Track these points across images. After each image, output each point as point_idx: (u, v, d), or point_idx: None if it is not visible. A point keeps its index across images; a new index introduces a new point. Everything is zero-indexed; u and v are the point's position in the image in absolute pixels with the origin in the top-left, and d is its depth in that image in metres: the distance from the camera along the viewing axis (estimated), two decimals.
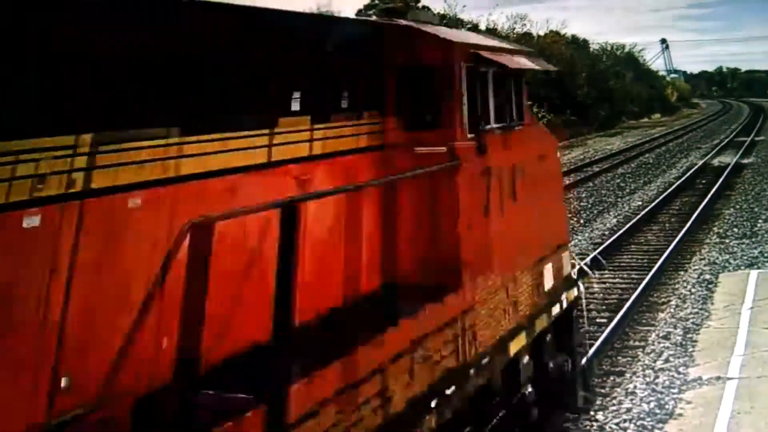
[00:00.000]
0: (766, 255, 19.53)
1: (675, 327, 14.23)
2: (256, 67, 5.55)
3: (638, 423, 10.54)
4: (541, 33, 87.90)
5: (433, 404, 6.38)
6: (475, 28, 74.89)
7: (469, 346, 7.05)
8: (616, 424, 10.55)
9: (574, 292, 10.15)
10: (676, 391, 11.44)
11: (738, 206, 27.08)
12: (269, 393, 4.66)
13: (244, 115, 5.41)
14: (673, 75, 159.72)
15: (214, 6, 5.29)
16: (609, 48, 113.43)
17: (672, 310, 15.22)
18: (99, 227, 4.34)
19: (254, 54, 5.53)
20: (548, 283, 9.16)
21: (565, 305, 9.67)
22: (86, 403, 4.27)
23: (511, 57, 8.47)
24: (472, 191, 7.29)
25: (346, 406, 5.28)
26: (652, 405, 11.01)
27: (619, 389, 11.57)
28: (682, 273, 18.05)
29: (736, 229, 22.92)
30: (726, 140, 54.50)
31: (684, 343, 13.42)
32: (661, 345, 13.36)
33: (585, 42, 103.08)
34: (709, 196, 27.98)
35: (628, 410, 10.91)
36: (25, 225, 3.93)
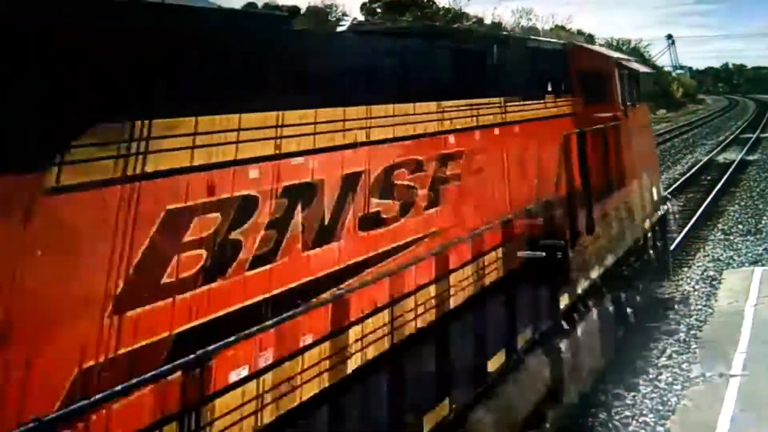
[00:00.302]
0: None
1: (679, 324, 14.19)
2: (523, 69, 9.56)
3: (640, 420, 10.51)
4: (547, 27, 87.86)
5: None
6: (480, 22, 74.94)
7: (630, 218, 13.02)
8: (618, 420, 10.52)
9: (667, 205, 16.68)
10: (678, 387, 11.42)
11: (743, 203, 27.01)
12: None
13: (522, 92, 9.15)
14: (678, 71, 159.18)
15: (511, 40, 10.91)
16: (614, 43, 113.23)
17: (675, 307, 15.17)
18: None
19: (522, 63, 9.55)
20: (656, 196, 15.37)
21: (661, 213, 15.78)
22: None
23: (630, 64, 14.36)
24: (626, 136, 12.73)
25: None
26: (654, 401, 10.99)
27: (621, 386, 11.53)
28: (686, 269, 17.98)
29: (740, 226, 22.87)
30: (731, 137, 54.36)
31: (687, 339, 13.39)
32: (665, 342, 13.32)
33: (590, 37, 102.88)
34: (713, 192, 27.91)
35: (631, 406, 10.89)
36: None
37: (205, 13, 4.74)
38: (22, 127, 3.57)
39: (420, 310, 6.39)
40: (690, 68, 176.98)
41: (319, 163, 5.33)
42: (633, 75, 13.98)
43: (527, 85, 9.42)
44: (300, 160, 5.19)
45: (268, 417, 4.75)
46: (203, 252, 4.39)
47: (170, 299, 4.19)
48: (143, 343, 4.02)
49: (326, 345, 5.28)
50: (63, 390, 3.64)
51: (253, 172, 4.76)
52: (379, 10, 65.70)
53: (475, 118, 7.76)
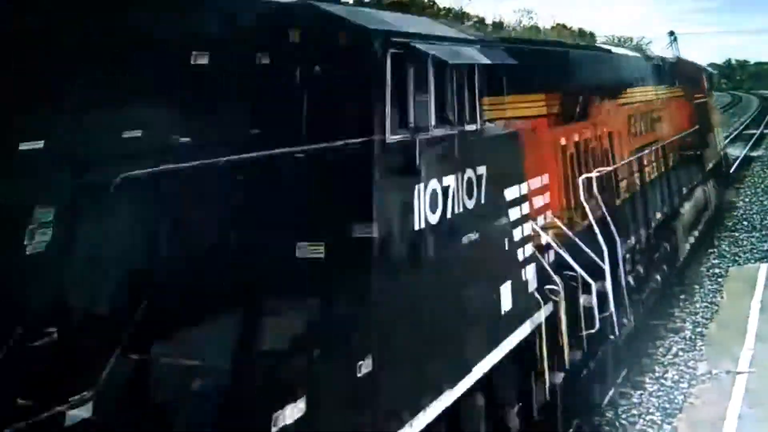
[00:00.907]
0: None
1: (684, 321, 14.17)
2: (670, 73, 19.78)
3: (647, 418, 10.50)
4: (548, 26, 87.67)
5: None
6: (481, 22, 74.84)
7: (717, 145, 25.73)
8: (626, 418, 10.51)
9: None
10: (685, 385, 11.40)
11: (747, 199, 26.96)
12: None
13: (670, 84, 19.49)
14: None
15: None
16: (616, 40, 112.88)
17: (682, 304, 15.15)
18: None
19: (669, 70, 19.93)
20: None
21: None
22: None
23: (708, 69, 29.08)
24: (710, 107, 25.10)
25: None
26: (661, 400, 10.97)
27: (628, 384, 11.51)
28: (692, 266, 17.94)
29: (745, 222, 22.84)
30: (735, 133, 54.21)
31: (693, 337, 13.37)
32: (671, 339, 13.30)
33: (592, 35, 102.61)
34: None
35: (638, 404, 10.88)
36: None
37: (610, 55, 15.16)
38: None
39: (661, 165, 15.85)
40: None
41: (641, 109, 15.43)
42: (710, 74, 27.69)
43: (671, 80, 19.49)
44: (638, 108, 15.17)
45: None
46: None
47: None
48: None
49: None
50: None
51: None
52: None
53: (662, 94, 17.78)
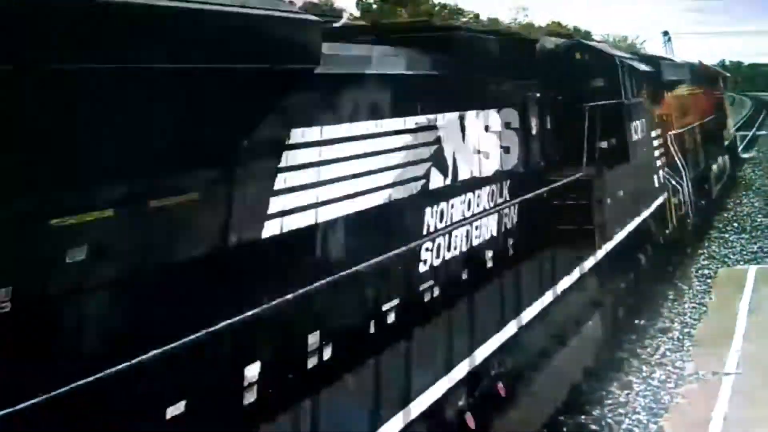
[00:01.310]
0: (765, 250, 19.50)
1: (673, 321, 14.19)
2: (698, 76, 27.15)
3: (633, 417, 10.52)
4: (543, 24, 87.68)
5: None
6: (476, 18, 74.76)
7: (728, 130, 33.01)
8: (612, 418, 10.53)
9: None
10: (672, 386, 11.43)
11: (738, 200, 27.03)
12: None
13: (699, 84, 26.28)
14: None
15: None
16: (611, 40, 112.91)
17: (670, 304, 15.17)
18: None
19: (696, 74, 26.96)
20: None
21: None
22: None
23: (725, 73, 39.74)
24: (725, 101, 34.31)
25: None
26: (648, 399, 10.99)
27: (615, 383, 11.54)
28: (681, 267, 17.97)
29: (735, 224, 22.89)
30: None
31: (681, 337, 13.40)
32: (659, 339, 13.32)
33: (587, 33, 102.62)
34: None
35: (624, 404, 10.89)
36: None
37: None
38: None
39: (698, 138, 21.89)
40: None
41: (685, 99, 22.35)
42: (724, 76, 34.21)
43: (699, 80, 25.76)
44: (685, 98, 22.00)
45: None
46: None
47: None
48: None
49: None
50: None
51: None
52: (374, 6, 65.53)
53: (696, 90, 24.17)
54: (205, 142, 4.69)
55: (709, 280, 16.89)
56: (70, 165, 3.91)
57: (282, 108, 5.35)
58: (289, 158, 5.58)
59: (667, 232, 16.02)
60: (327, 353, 5.73)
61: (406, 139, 7.23)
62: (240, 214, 5.06)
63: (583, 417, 10.47)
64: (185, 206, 4.61)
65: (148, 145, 4.29)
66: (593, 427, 10.30)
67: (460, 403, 7.49)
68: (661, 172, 15.88)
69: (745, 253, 19.31)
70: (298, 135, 5.68)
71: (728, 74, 41.22)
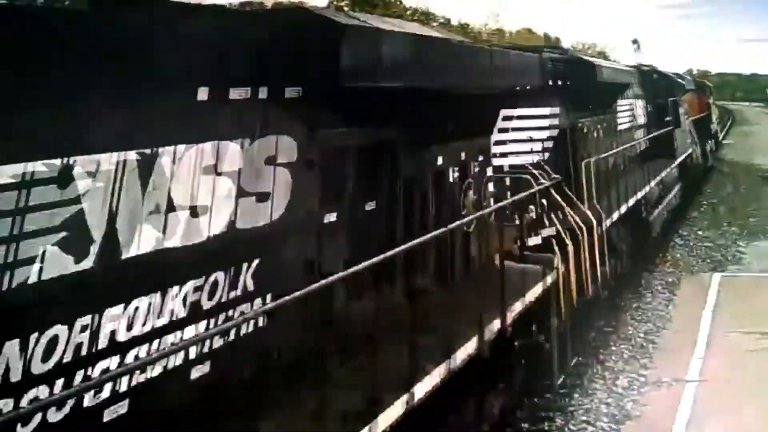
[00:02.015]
0: (729, 258, 19.66)
1: (636, 329, 14.23)
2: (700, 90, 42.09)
3: (597, 425, 10.51)
4: (514, 30, 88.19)
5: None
6: (448, 22, 74.87)
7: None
8: (575, 425, 10.52)
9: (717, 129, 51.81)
10: (635, 393, 11.44)
11: (703, 209, 27.27)
12: None
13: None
14: None
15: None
16: (580, 46, 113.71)
17: (634, 312, 15.22)
18: None
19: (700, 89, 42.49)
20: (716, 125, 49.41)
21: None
22: None
23: (710, 87, 50.48)
24: (710, 107, 45.47)
25: None
26: (611, 407, 10.99)
27: (578, 391, 11.54)
28: (645, 274, 18.06)
29: (700, 232, 23.06)
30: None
31: (645, 345, 13.43)
32: (622, 346, 13.35)
33: (557, 40, 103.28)
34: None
35: (587, 411, 10.89)
36: None
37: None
38: None
39: (695, 127, 33.79)
40: None
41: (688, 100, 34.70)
42: (708, 86, 46.66)
43: (697, 89, 38.08)
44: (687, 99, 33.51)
45: None
46: None
47: None
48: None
49: None
50: None
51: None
52: (346, 8, 65.36)
53: (697, 95, 37.71)
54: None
55: (673, 288, 16.98)
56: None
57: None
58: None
59: (692, 162, 29.87)
60: None
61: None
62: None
63: (546, 425, 10.45)
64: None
65: None
66: None
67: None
68: (689, 136, 29.94)
69: (709, 260, 19.47)
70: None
71: (710, 84, 53.53)
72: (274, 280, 5.86)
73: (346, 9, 64.40)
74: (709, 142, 39.16)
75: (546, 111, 12.68)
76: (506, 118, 12.11)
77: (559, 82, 13.35)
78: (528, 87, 11.31)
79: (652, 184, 19.52)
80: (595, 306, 13.17)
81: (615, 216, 14.69)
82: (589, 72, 14.65)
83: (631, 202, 16.57)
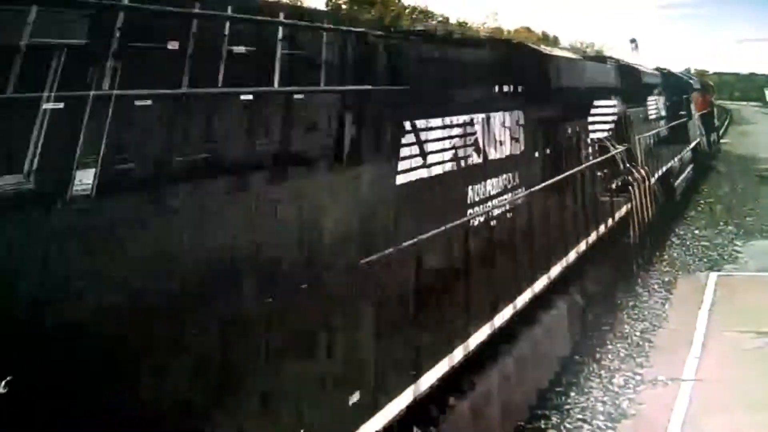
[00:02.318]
0: (725, 258, 19.70)
1: (633, 327, 14.26)
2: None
3: (593, 423, 10.54)
4: (512, 29, 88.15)
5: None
6: (446, 21, 74.77)
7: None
8: (571, 423, 10.54)
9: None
10: (631, 391, 11.48)
11: (700, 208, 27.31)
12: None
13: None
14: None
15: None
16: (579, 45, 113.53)
17: (630, 311, 15.24)
18: None
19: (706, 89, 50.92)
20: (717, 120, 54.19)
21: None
22: None
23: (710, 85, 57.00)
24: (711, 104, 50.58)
25: None
26: (607, 405, 11.02)
27: (574, 388, 11.57)
28: (642, 273, 18.08)
29: (697, 231, 23.09)
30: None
31: (641, 343, 13.46)
32: (618, 345, 13.37)
33: (555, 39, 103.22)
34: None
35: (583, 410, 10.92)
36: None
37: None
38: None
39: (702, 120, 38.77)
40: None
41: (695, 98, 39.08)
42: (711, 85, 54.64)
43: (702, 88, 43.43)
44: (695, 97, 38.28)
45: None
46: None
47: None
48: None
49: None
50: None
51: None
52: (344, 6, 65.45)
53: (702, 94, 43.23)
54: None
55: (669, 287, 17.01)
56: None
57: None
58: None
59: (700, 147, 35.04)
60: None
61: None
62: None
63: (542, 422, 10.48)
64: None
65: None
66: None
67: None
68: (697, 127, 34.93)
69: (705, 260, 19.53)
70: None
71: (711, 84, 59.82)
72: (526, 179, 10.90)
73: (344, 7, 64.55)
74: (712, 134, 45.15)
75: (613, 103, 17.46)
76: (594, 107, 16.04)
77: (618, 83, 18.41)
78: (608, 86, 17.38)
79: (675, 160, 25.28)
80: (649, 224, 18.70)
81: (654, 177, 19.88)
82: (635, 75, 21.04)
83: (664, 169, 22.39)
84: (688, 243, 21.48)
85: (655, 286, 16.98)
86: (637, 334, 13.91)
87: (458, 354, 7.97)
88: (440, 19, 73.52)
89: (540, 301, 10.76)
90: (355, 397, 6.10)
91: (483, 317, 8.71)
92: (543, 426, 10.42)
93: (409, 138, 7.51)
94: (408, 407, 6.91)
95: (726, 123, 71.60)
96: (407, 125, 7.50)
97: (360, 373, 6.25)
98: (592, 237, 13.51)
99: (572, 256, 12.35)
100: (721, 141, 53.68)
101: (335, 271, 5.98)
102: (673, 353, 12.83)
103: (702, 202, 28.53)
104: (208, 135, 4.95)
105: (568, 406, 10.99)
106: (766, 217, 24.70)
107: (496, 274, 9.16)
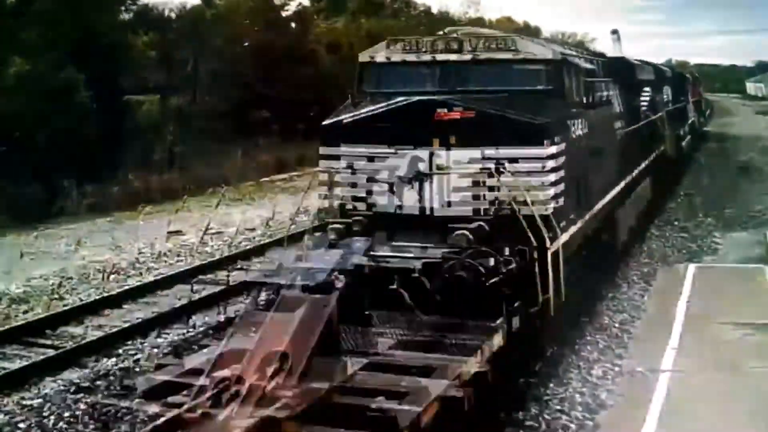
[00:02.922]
0: (704, 249, 19.81)
1: (612, 319, 14.30)
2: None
3: (571, 414, 10.56)
4: (494, 19, 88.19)
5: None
6: (428, 11, 74.74)
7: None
8: (549, 413, 10.56)
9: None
10: (609, 382, 11.51)
11: (679, 200, 27.44)
12: None
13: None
14: None
15: None
16: (560, 36, 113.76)
17: (609, 302, 15.29)
18: None
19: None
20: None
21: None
22: None
23: (699, 79, 65.36)
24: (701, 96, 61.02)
25: None
26: (585, 396, 11.05)
27: (553, 380, 11.58)
28: (621, 264, 18.14)
29: (676, 223, 23.21)
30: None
31: (620, 335, 13.50)
32: (597, 336, 13.41)
33: (537, 29, 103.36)
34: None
35: (562, 400, 10.93)
36: None
37: None
38: None
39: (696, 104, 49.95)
40: None
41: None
42: (699, 78, 61.98)
43: (692, 79, 50.69)
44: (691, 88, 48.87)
45: None
46: None
47: None
48: None
49: None
50: None
51: None
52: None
53: (692, 85, 49.32)
54: None
55: (649, 278, 17.08)
56: None
57: None
58: None
59: (692, 127, 40.92)
60: None
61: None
62: None
63: (520, 413, 10.49)
64: None
65: None
66: (530, 423, 10.32)
67: None
68: (691, 111, 42.15)
69: (684, 251, 19.63)
70: None
71: (698, 76, 65.38)
72: (628, 122, 19.07)
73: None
74: (701, 117, 54.78)
75: (648, 89, 24.07)
76: (644, 91, 23.47)
77: (651, 77, 25.82)
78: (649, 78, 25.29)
79: (681, 130, 34.44)
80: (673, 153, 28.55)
81: (673, 134, 29.11)
82: (659, 71, 29.44)
83: (677, 131, 31.50)
84: (667, 235, 21.57)
85: (635, 278, 17.04)
86: (616, 325, 13.96)
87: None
88: (422, 9, 73.38)
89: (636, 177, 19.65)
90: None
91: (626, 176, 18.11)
92: (521, 417, 10.44)
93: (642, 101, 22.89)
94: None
95: (707, 114, 72.09)
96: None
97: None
98: (652, 156, 22.81)
99: (644, 164, 20.91)
100: (704, 129, 54.27)
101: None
102: (652, 344, 12.88)
103: (682, 193, 28.65)
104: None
105: (547, 397, 11.01)
106: (745, 209, 24.86)
107: (627, 162, 18.10)
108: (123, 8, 41.86)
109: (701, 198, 27.37)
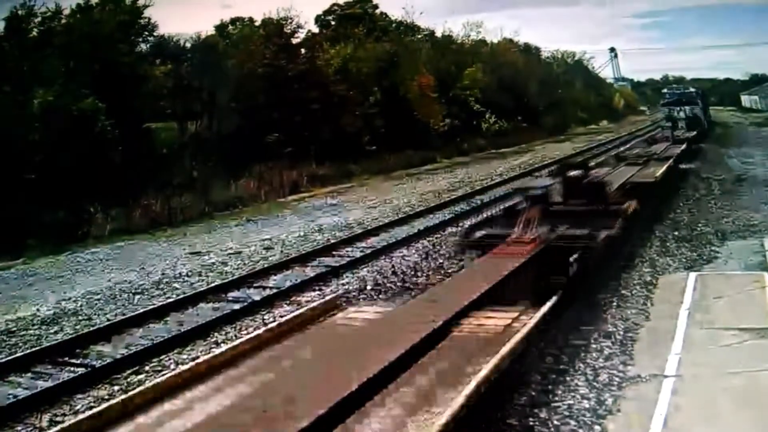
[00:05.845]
0: (704, 258, 20.10)
1: (616, 326, 14.62)
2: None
3: (579, 419, 10.85)
4: (495, 40, 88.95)
5: None
6: (431, 35, 75.36)
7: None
8: (558, 419, 10.85)
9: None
10: (615, 388, 11.81)
11: (679, 210, 27.75)
12: None
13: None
14: (621, 83, 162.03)
15: None
16: (560, 56, 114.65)
17: (613, 310, 15.61)
18: None
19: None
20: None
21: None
22: None
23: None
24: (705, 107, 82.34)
25: None
26: (592, 401, 11.35)
27: (560, 386, 11.89)
28: (623, 274, 18.47)
29: (676, 232, 23.51)
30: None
31: (625, 341, 13.81)
32: (602, 343, 13.72)
33: (537, 49, 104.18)
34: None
35: (569, 407, 11.24)
36: None
37: None
38: None
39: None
40: (631, 80, 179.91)
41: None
42: (705, 92, 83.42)
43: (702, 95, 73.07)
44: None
45: None
46: None
47: None
48: None
49: None
50: None
51: None
52: (333, 23, 66.04)
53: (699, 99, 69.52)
54: None
55: (651, 287, 17.36)
56: None
57: None
58: None
59: (708, 118, 68.77)
60: None
61: None
62: None
63: (529, 419, 10.79)
64: None
65: None
66: (540, 428, 10.62)
67: None
68: (705, 113, 66.36)
69: (685, 260, 19.87)
70: None
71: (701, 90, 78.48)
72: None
73: (333, 23, 64.95)
74: (709, 118, 71.10)
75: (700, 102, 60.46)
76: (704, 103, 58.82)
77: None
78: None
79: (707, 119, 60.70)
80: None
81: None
82: (703, 93, 67.94)
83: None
84: (668, 244, 21.88)
85: (637, 287, 17.35)
86: (621, 333, 14.27)
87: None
88: (426, 33, 73.95)
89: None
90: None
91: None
92: (530, 423, 10.74)
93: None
94: None
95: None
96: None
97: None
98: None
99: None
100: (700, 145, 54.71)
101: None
102: (656, 351, 13.18)
103: (681, 204, 28.98)
104: None
105: (554, 403, 11.32)
106: (742, 219, 25.18)
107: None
108: (140, 40, 42.74)
109: (699, 209, 27.78)
